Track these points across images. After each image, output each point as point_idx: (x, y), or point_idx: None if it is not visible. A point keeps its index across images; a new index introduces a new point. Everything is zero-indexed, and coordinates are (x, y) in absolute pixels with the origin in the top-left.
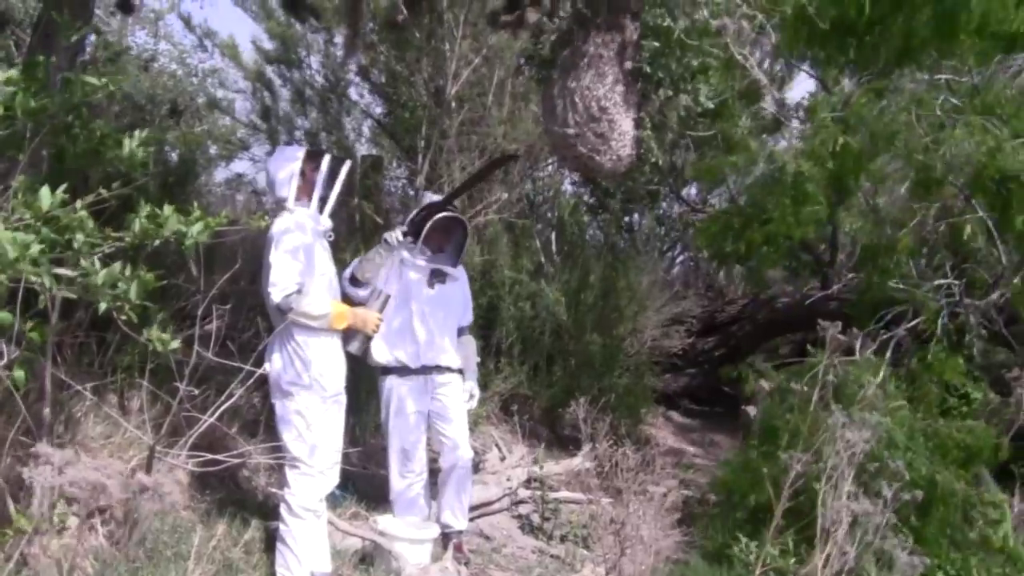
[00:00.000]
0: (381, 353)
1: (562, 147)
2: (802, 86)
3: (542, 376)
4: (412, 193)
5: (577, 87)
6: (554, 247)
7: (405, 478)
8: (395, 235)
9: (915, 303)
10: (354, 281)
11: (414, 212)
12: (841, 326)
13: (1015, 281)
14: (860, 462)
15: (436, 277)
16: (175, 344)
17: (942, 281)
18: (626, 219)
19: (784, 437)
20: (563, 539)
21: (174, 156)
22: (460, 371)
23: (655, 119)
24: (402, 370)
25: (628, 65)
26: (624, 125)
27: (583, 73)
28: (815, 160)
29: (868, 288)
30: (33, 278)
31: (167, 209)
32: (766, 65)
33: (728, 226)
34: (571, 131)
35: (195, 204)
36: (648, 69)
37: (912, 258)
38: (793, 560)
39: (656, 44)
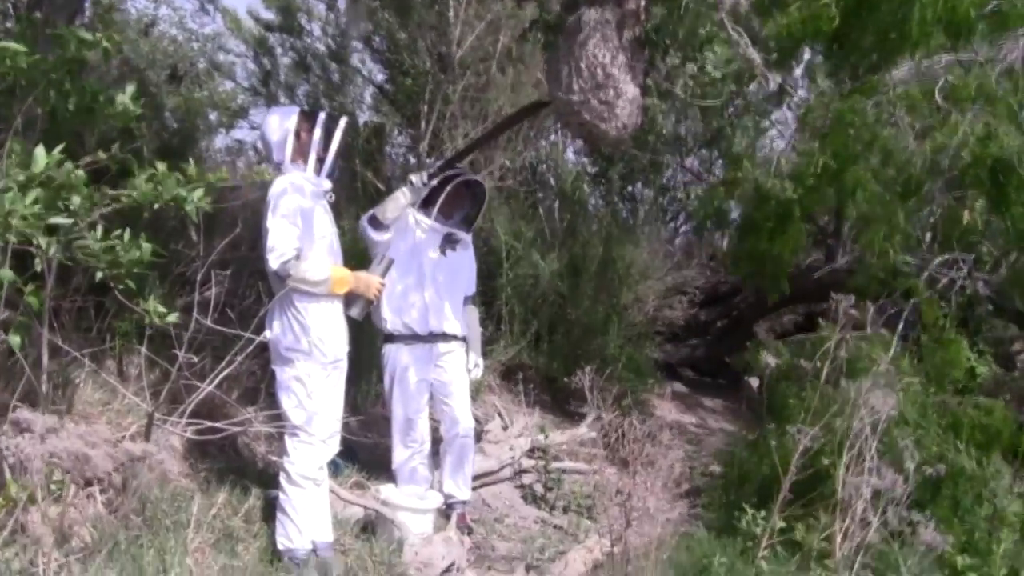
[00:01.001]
0: (387, 319)
1: (567, 114)
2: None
3: (543, 345)
4: (414, 160)
5: (582, 53)
6: (556, 215)
7: (408, 447)
8: (422, 176)
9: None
10: (374, 223)
11: (437, 163)
12: (852, 299)
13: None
14: (883, 430)
15: (448, 243)
16: (172, 317)
17: (949, 255)
18: (628, 189)
19: (793, 412)
20: (566, 509)
21: (173, 122)
22: (463, 340)
23: (661, 87)
24: (408, 337)
25: (636, 31)
26: (630, 92)
27: (589, 39)
28: (799, 182)
29: (867, 262)
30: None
31: (161, 166)
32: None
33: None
34: (576, 98)
35: (198, 169)
36: (655, 36)
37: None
38: (805, 533)
39: (664, 10)
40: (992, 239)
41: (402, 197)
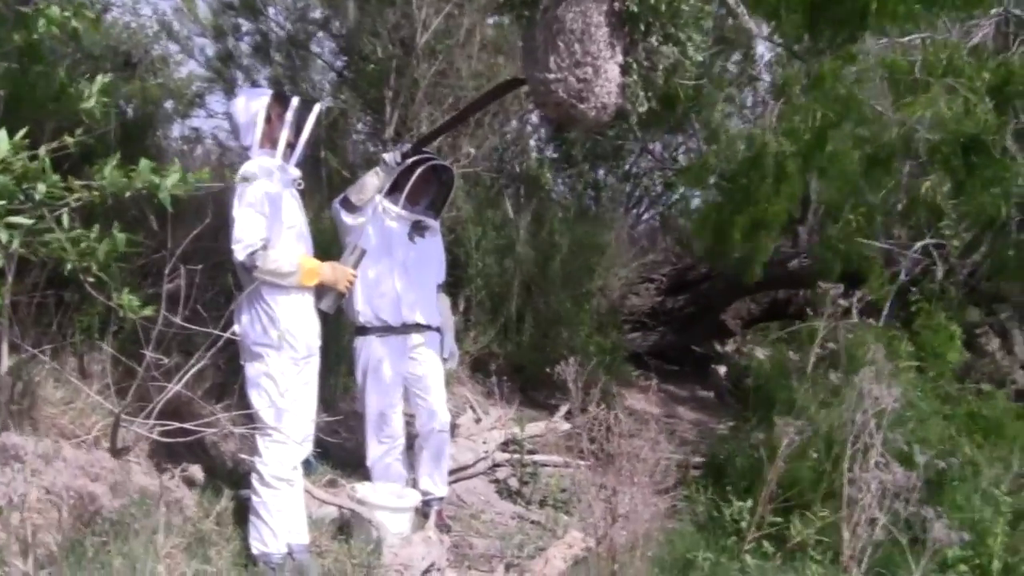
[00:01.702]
0: (359, 311)
1: (543, 93)
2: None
3: (512, 335)
4: (375, 148)
5: (560, 28)
6: (521, 202)
7: (382, 443)
8: (395, 155)
9: (875, 266)
10: (347, 205)
11: (407, 145)
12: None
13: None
14: (888, 423)
15: (416, 230)
16: (147, 311)
17: (926, 242)
18: (592, 175)
19: (783, 405)
20: (542, 504)
21: (129, 110)
22: (437, 330)
23: (642, 66)
24: (380, 329)
25: (616, 5)
26: (609, 71)
27: (566, 13)
28: (792, 137)
29: (830, 249)
30: None
31: (143, 163)
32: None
33: (722, 217)
34: (552, 76)
35: (173, 159)
36: (636, 9)
37: (882, 216)
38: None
39: None
40: (962, 223)
41: (375, 177)
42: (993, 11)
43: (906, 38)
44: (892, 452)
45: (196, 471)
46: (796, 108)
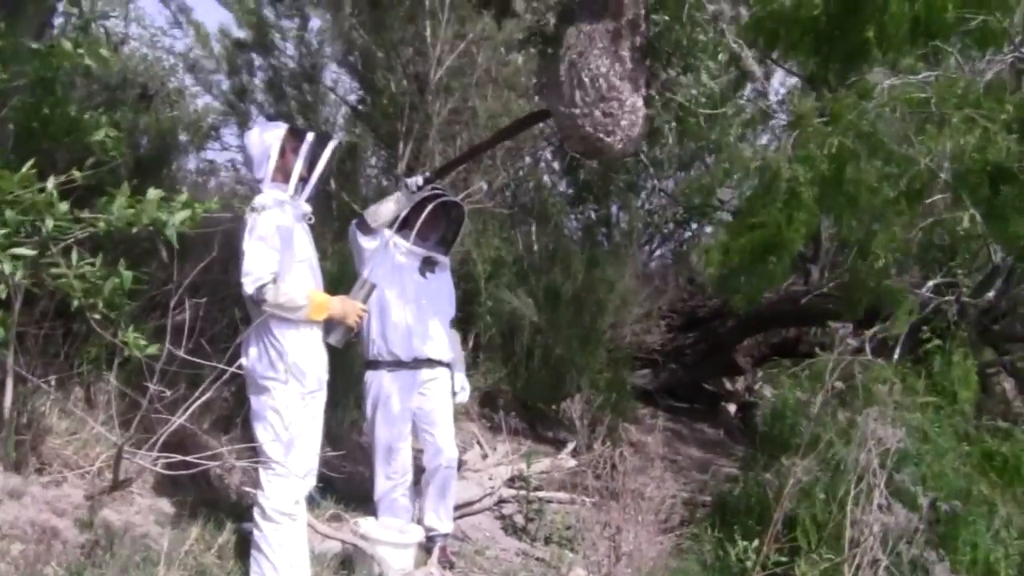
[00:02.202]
0: (370, 345)
1: (569, 128)
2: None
3: (522, 372)
4: (390, 181)
5: (584, 64)
6: (534, 238)
7: (390, 479)
8: (416, 180)
9: (903, 301)
10: (363, 227)
11: (425, 174)
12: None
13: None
14: (892, 464)
15: (427, 265)
16: (152, 349)
17: (939, 280)
18: (604, 211)
19: (791, 444)
20: (547, 541)
21: (144, 141)
22: (447, 365)
23: (663, 97)
24: (391, 364)
25: (636, 40)
26: (633, 103)
27: (589, 50)
28: (808, 164)
29: (859, 286)
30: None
31: (152, 193)
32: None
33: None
34: (578, 111)
35: (183, 190)
36: (657, 45)
37: (905, 255)
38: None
39: (664, 18)
40: (975, 261)
41: (395, 202)
42: (1006, 50)
43: (919, 76)
44: (899, 493)
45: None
46: (811, 136)
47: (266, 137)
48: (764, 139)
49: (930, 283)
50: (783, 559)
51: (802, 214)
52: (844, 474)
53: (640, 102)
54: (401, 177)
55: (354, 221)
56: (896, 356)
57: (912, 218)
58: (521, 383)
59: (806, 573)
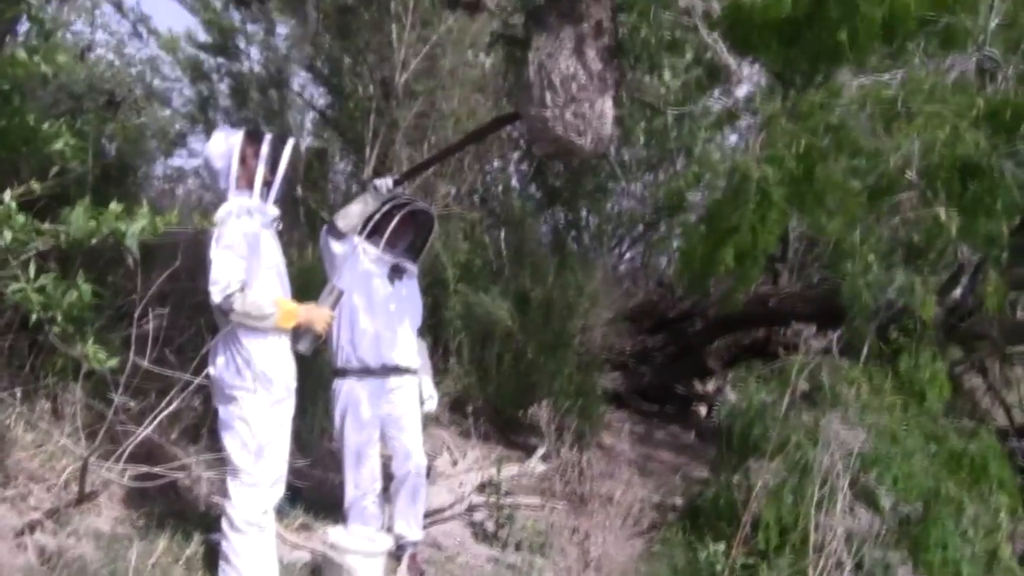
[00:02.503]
0: (338, 352)
1: (539, 130)
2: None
3: (492, 376)
4: (358, 186)
5: (553, 66)
6: (502, 243)
7: (359, 487)
8: (386, 182)
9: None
10: (333, 231)
11: (395, 176)
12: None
13: (991, 280)
14: (857, 467)
15: (396, 273)
16: (112, 362)
17: (905, 280)
18: (573, 215)
19: (756, 446)
20: (518, 547)
21: (111, 149)
22: (415, 372)
23: (632, 98)
24: (360, 371)
25: (605, 40)
26: (604, 105)
27: (559, 51)
28: (776, 164)
29: (836, 289)
30: None
31: (114, 205)
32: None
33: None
34: (549, 112)
35: (144, 202)
36: (625, 45)
37: (881, 256)
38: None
39: (633, 18)
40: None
41: (362, 203)
42: (971, 51)
43: (884, 75)
44: (864, 495)
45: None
46: (779, 135)
47: (224, 145)
48: (732, 139)
49: (896, 282)
50: (751, 562)
51: (774, 214)
52: (810, 476)
53: (610, 103)
54: (368, 181)
55: (325, 226)
56: (863, 356)
57: (880, 215)
58: (491, 388)
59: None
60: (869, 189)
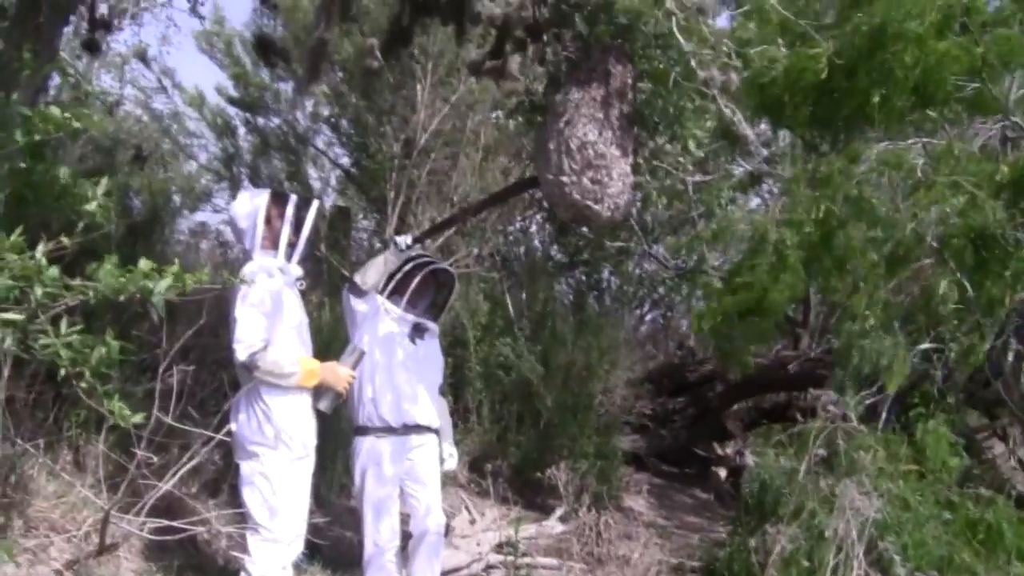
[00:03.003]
0: (359, 411)
1: (557, 195)
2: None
3: (512, 437)
4: (379, 245)
5: (572, 132)
6: (524, 304)
7: (378, 544)
8: (406, 239)
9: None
10: (354, 290)
11: (415, 233)
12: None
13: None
14: (870, 535)
15: (417, 332)
16: (137, 418)
17: (927, 346)
18: (595, 277)
19: (773, 512)
20: None
21: (138, 203)
22: (436, 431)
23: (651, 165)
24: (381, 430)
25: (624, 108)
26: (621, 171)
27: (577, 118)
28: (795, 228)
29: (846, 351)
30: None
31: (143, 263)
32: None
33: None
34: (566, 178)
35: (174, 259)
36: (645, 112)
37: (891, 318)
38: None
39: (652, 86)
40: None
41: (384, 262)
42: (998, 117)
43: (909, 142)
44: (879, 562)
45: None
46: (799, 201)
47: (250, 206)
48: (754, 203)
49: (917, 347)
50: None
51: (788, 276)
52: (825, 543)
53: (628, 169)
54: (390, 239)
55: (346, 284)
56: (882, 423)
57: (897, 282)
58: (511, 448)
59: None
60: (887, 258)
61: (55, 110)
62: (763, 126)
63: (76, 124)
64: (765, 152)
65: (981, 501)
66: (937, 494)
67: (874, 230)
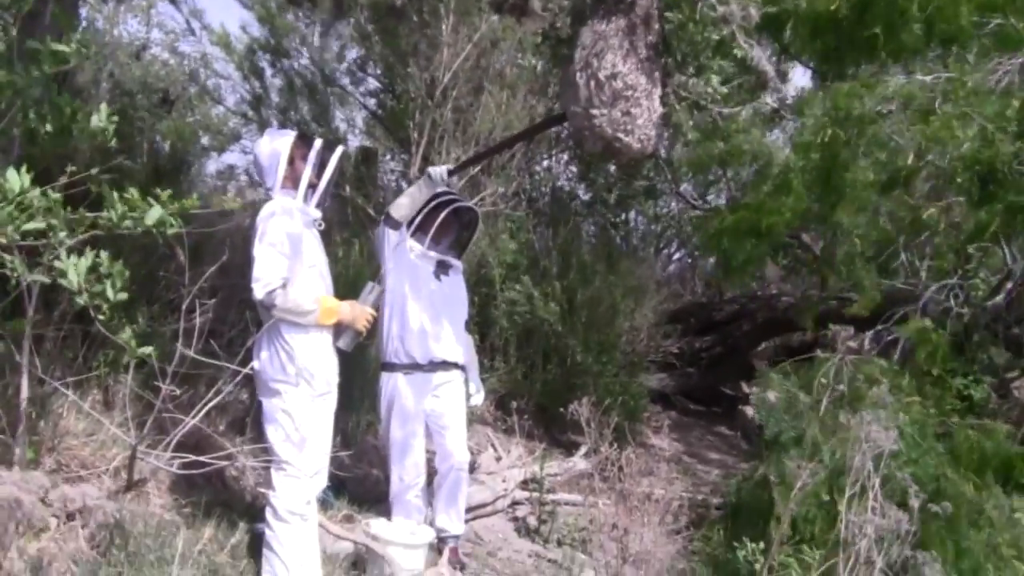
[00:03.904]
0: (386, 347)
1: (586, 128)
2: (801, 80)
3: (538, 374)
4: (404, 185)
5: (600, 64)
6: (550, 243)
7: (403, 480)
8: (441, 171)
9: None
10: (389, 221)
11: (449, 166)
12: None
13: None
14: (885, 466)
15: (441, 269)
16: (148, 349)
17: (947, 281)
18: (622, 216)
19: (790, 445)
20: (560, 543)
21: (166, 146)
22: (462, 368)
23: (679, 96)
24: (407, 366)
25: (650, 38)
26: (650, 103)
27: (605, 49)
28: (801, 153)
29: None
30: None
31: (162, 194)
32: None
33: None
34: (596, 111)
35: (187, 189)
36: (672, 42)
37: (887, 243)
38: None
39: (679, 16)
40: (990, 265)
41: (418, 191)
42: (1019, 53)
43: (929, 76)
44: (895, 492)
45: None
46: (810, 125)
47: (275, 145)
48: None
49: (933, 285)
50: (790, 560)
51: (791, 200)
52: (839, 476)
53: (656, 101)
54: (415, 179)
55: (383, 216)
56: (897, 356)
57: (904, 209)
58: (536, 386)
59: (801, 575)
60: (883, 181)
61: (62, 47)
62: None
63: (84, 52)
64: (784, 89)
65: (981, 429)
66: (938, 426)
67: (879, 152)
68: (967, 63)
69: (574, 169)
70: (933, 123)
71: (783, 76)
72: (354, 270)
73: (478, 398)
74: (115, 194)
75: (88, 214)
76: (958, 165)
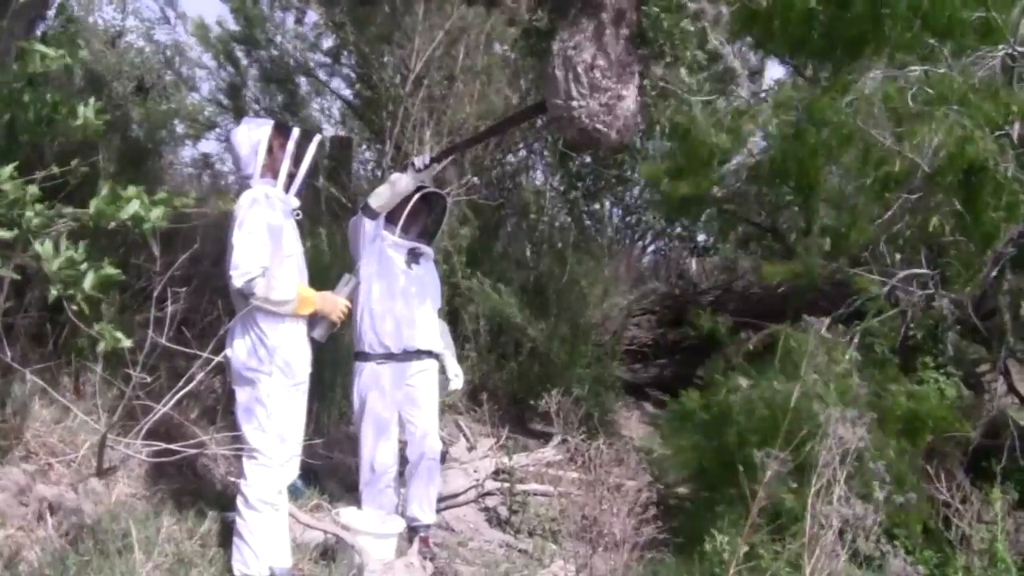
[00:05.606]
0: (360, 337)
1: (564, 119)
2: (774, 74)
3: (509, 365)
4: (379, 175)
5: (579, 57)
6: (522, 232)
7: (374, 469)
8: (423, 159)
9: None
10: (367, 211)
11: (432, 154)
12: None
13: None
14: (852, 462)
15: (413, 257)
16: (126, 342)
17: (915, 271)
18: (595, 206)
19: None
20: (531, 533)
21: (140, 133)
22: (436, 356)
23: (656, 87)
24: (381, 356)
25: (628, 30)
26: (628, 94)
27: (584, 42)
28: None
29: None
30: None
31: (131, 189)
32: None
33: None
34: (575, 103)
35: (165, 185)
36: (649, 34)
37: (869, 244)
38: (771, 561)
39: (655, 9)
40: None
41: (399, 181)
42: (1000, 46)
43: (907, 69)
44: (861, 484)
45: None
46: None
47: (253, 135)
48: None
49: (900, 274)
50: (761, 552)
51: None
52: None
53: (634, 92)
54: (387, 171)
55: (360, 207)
56: (854, 344)
57: (882, 208)
58: (507, 376)
59: (769, 565)
60: (873, 184)
61: (48, 50)
62: (754, 60)
63: (69, 60)
64: (754, 86)
65: (913, 396)
66: (868, 395)
67: (866, 163)
68: (947, 58)
69: (548, 159)
70: (921, 127)
71: (758, 72)
72: (326, 259)
73: (457, 382)
74: (104, 188)
75: (68, 209)
76: (943, 163)
